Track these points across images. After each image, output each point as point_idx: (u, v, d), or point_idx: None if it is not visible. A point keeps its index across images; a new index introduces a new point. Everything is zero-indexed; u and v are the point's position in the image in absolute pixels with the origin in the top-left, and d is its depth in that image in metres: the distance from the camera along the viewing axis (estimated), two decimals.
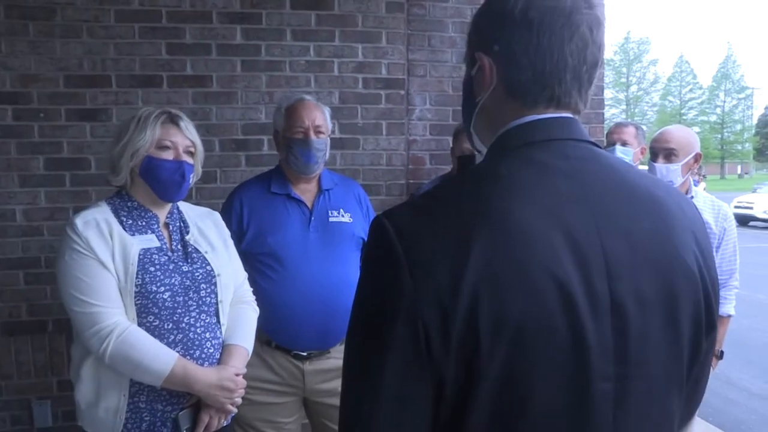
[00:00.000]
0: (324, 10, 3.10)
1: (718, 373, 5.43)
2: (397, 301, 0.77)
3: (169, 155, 1.82)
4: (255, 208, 2.32)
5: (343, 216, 2.39)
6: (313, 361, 2.32)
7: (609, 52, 57.97)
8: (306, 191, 2.39)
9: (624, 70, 59.41)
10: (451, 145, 2.96)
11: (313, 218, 2.34)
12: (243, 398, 2.27)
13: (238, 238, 2.27)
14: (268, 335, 2.30)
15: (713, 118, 58.17)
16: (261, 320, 2.22)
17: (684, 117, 57.24)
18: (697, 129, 56.40)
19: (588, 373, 0.79)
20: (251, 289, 2.11)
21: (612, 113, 57.91)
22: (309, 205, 2.36)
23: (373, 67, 3.18)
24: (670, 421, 0.90)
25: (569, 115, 0.91)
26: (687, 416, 0.98)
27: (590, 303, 0.79)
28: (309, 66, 3.12)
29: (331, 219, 2.36)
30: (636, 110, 59.39)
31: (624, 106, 59.63)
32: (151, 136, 1.79)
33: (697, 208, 0.96)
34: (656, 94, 60.08)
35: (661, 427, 0.89)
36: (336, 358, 2.36)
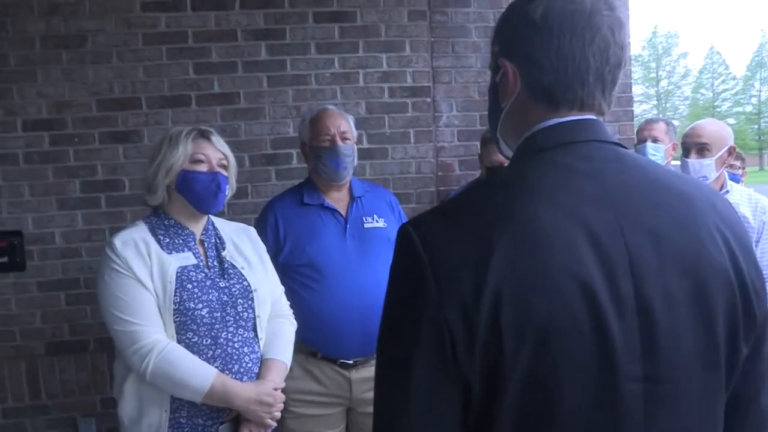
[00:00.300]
0: (347, 22, 3.13)
1: None
2: (423, 308, 0.78)
3: (203, 168, 1.86)
4: (290, 220, 2.35)
5: (377, 221, 2.42)
6: (359, 369, 2.34)
7: (637, 47, 57.19)
8: (338, 200, 2.42)
9: (653, 65, 58.50)
10: (479, 151, 2.95)
11: (348, 226, 2.37)
12: (290, 412, 2.29)
13: (276, 251, 2.30)
14: (313, 346, 2.32)
15: (749, 108, 56.81)
16: (304, 332, 2.24)
17: (718, 109, 56.07)
18: (732, 121, 55.19)
19: (615, 374, 0.79)
20: (288, 303, 2.12)
21: (643, 109, 57.02)
22: (343, 213, 2.40)
23: (398, 76, 3.19)
24: (713, 425, 0.87)
25: (592, 116, 0.91)
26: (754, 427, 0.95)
27: (615, 303, 0.78)
28: (334, 78, 3.14)
29: (366, 225, 2.39)
30: (667, 105, 58.38)
31: (655, 102, 58.68)
32: (183, 151, 1.83)
33: (731, 204, 0.94)
34: (688, 87, 58.96)
35: (703, 430, 0.86)
36: None
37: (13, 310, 2.93)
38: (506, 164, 2.02)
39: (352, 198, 2.44)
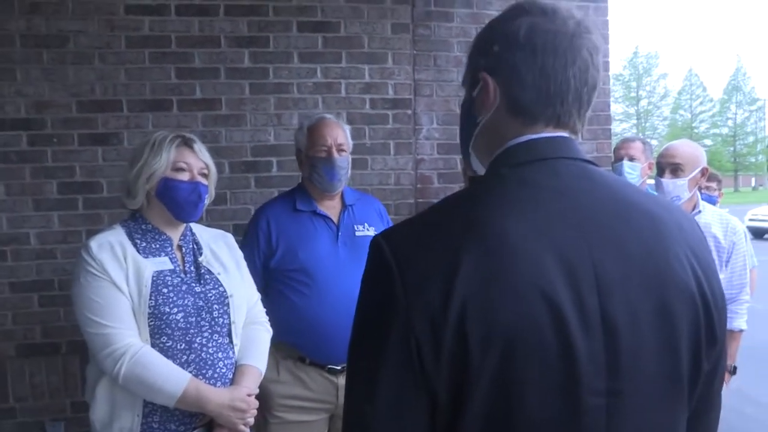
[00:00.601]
0: (330, 33, 3.15)
1: (733, 388, 5.38)
2: (391, 319, 0.80)
3: (184, 177, 1.86)
4: (283, 225, 2.37)
5: (368, 230, 2.46)
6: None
7: (618, 66, 57.83)
8: (331, 207, 2.45)
9: (633, 84, 59.30)
10: (461, 164, 2.98)
11: (340, 233, 2.41)
12: (275, 417, 2.32)
13: (268, 256, 2.34)
14: (302, 351, 2.34)
15: (725, 130, 57.81)
16: (294, 336, 2.28)
17: (695, 130, 56.95)
18: (709, 142, 56.11)
19: (579, 388, 0.80)
20: (264, 310, 2.13)
21: (623, 128, 57.74)
22: (335, 220, 2.43)
23: (380, 87, 3.22)
24: None
25: (564, 134, 0.93)
26: None
27: (580, 318, 0.80)
28: (316, 88, 3.16)
29: (357, 233, 2.43)
30: (647, 124, 59.17)
31: (634, 121, 59.44)
32: (166, 158, 1.83)
33: (698, 225, 0.97)
34: (667, 107, 59.83)
35: None
36: None
37: None
38: None
39: (344, 206, 2.48)
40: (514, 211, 0.84)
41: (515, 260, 0.79)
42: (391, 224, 2.53)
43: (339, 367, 2.35)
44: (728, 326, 2.71)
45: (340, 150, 2.38)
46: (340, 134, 2.40)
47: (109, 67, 2.94)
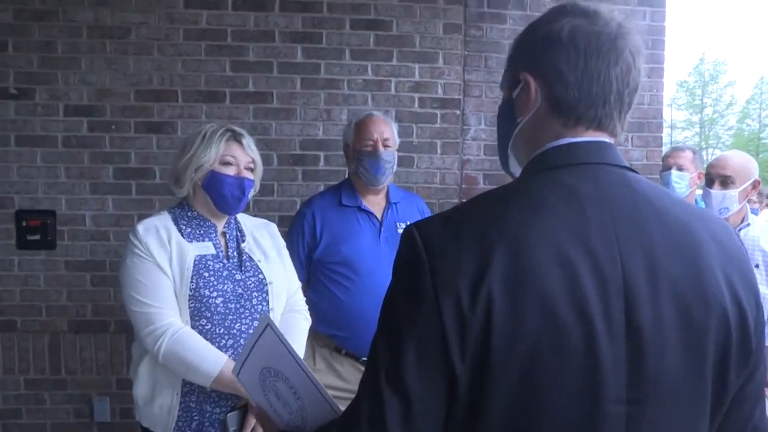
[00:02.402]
0: (382, 31, 3.18)
1: None
2: (419, 307, 0.82)
3: (231, 171, 1.92)
4: (327, 219, 2.42)
5: None
6: None
7: (683, 73, 56.06)
8: (375, 203, 2.49)
9: (698, 92, 57.42)
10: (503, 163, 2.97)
11: (382, 229, 2.45)
12: None
13: (312, 248, 2.40)
14: (338, 342, 2.39)
15: None
16: (332, 327, 2.34)
17: (764, 141, 54.76)
18: None
19: (600, 394, 0.81)
20: (305, 299, 2.18)
21: (685, 136, 55.87)
22: (378, 216, 2.47)
23: (429, 86, 3.23)
24: None
25: (605, 139, 0.93)
26: None
27: (607, 326, 0.80)
28: (366, 85, 3.19)
29: (399, 230, 2.47)
30: (710, 133, 57.24)
31: (698, 129, 57.56)
32: (215, 152, 1.89)
33: (738, 236, 0.95)
34: (733, 116, 57.72)
35: None
36: None
37: (41, 286, 3.04)
38: None
39: (389, 203, 2.52)
40: (548, 213, 0.84)
41: (546, 265, 0.80)
42: None
43: None
44: None
45: (385, 145, 2.42)
46: (386, 129, 2.44)
47: (167, 59, 3.05)
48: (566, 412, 0.81)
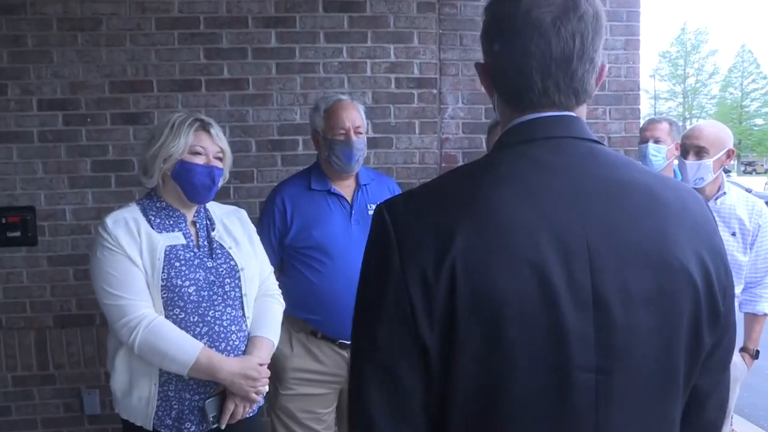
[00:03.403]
0: (356, 12, 3.16)
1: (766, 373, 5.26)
2: (387, 282, 0.85)
3: (200, 160, 1.93)
4: (297, 204, 2.43)
5: None
6: None
7: (665, 44, 56.11)
8: (345, 186, 2.50)
9: (681, 62, 57.49)
10: (486, 140, 2.98)
11: (353, 212, 2.46)
12: (287, 389, 2.38)
13: (283, 233, 2.40)
14: (314, 326, 2.41)
15: None
16: (307, 311, 2.34)
17: (746, 109, 55.01)
18: (760, 121, 54.09)
19: (567, 362, 0.83)
20: (277, 283, 2.19)
21: (668, 106, 56.13)
22: (349, 199, 2.48)
23: (405, 67, 3.22)
24: (669, 423, 0.91)
25: (570, 113, 0.93)
26: (713, 422, 0.99)
27: (571, 294, 0.82)
28: (342, 67, 3.18)
29: (370, 212, 2.47)
30: (694, 103, 57.45)
31: (681, 99, 57.75)
32: (184, 142, 1.90)
33: (706, 204, 0.96)
34: (716, 86, 57.85)
35: (655, 428, 0.89)
36: None
37: (24, 282, 3.03)
38: None
39: (358, 185, 2.53)
40: (512, 185, 0.86)
41: (507, 233, 0.82)
42: None
43: (349, 342, 2.41)
44: (752, 309, 2.69)
45: (357, 132, 2.42)
46: (357, 116, 2.44)
47: (140, 49, 3.02)
48: (534, 377, 0.83)
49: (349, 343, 2.39)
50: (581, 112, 0.95)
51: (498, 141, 0.96)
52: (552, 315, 0.81)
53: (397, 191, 2.65)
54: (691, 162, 2.58)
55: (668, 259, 0.85)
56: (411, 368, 0.86)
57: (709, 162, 2.56)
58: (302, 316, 2.36)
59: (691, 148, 2.60)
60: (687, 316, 0.87)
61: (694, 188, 2.56)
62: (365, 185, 2.54)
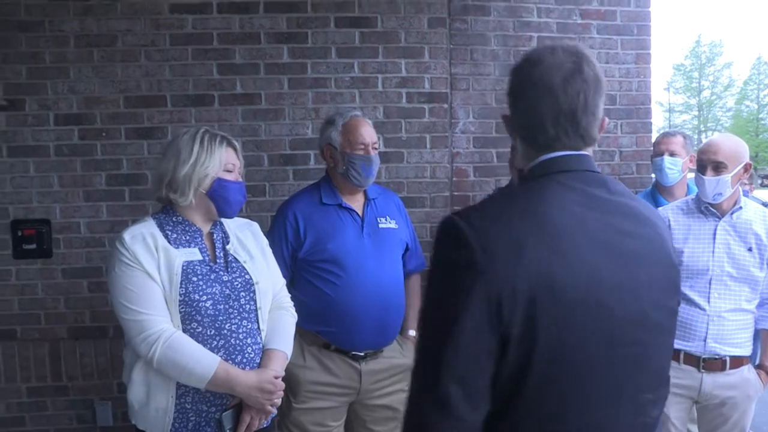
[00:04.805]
0: (367, 28, 3.20)
1: None
2: (475, 279, 1.04)
3: (232, 177, 1.96)
4: (310, 218, 2.45)
5: (390, 222, 2.56)
6: (368, 361, 2.46)
7: (679, 56, 55.92)
8: (355, 201, 2.53)
9: (695, 74, 57.19)
10: (510, 156, 2.95)
11: (365, 225, 2.48)
12: (301, 402, 2.40)
13: (296, 247, 2.43)
14: (327, 338, 2.42)
15: None
16: (321, 324, 2.37)
17: (762, 121, 54.55)
18: None
19: (612, 337, 1.09)
20: (289, 296, 2.21)
21: (683, 119, 55.73)
22: (360, 213, 2.51)
23: (416, 81, 3.25)
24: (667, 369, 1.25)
25: (581, 152, 1.20)
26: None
27: (616, 287, 1.09)
28: (353, 82, 3.21)
29: (380, 225, 2.52)
30: (709, 116, 57.05)
31: (696, 112, 57.36)
32: (218, 160, 1.92)
33: (662, 219, 1.28)
34: (731, 98, 57.44)
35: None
36: (387, 357, 2.52)
37: (39, 294, 3.07)
38: None
39: (367, 199, 2.55)
40: (557, 202, 1.12)
41: (564, 241, 1.07)
42: (407, 218, 2.63)
43: (362, 353, 2.44)
44: (764, 326, 2.64)
45: (374, 148, 2.48)
46: (373, 133, 2.51)
47: (154, 64, 3.07)
48: (593, 353, 1.08)
49: (361, 354, 2.41)
50: (589, 151, 1.22)
51: (527, 173, 1.22)
52: (597, 301, 1.07)
53: (402, 206, 2.71)
54: (710, 178, 2.53)
55: (668, 257, 1.20)
56: (490, 361, 1.05)
57: (727, 177, 2.52)
58: (315, 329, 2.38)
59: (708, 163, 2.55)
60: (674, 297, 1.23)
61: (713, 204, 2.54)
62: (373, 199, 2.57)
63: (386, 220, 2.56)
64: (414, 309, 2.68)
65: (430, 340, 1.10)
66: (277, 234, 2.44)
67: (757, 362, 2.70)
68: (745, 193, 3.86)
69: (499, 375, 1.06)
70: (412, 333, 2.68)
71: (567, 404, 1.09)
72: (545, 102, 1.16)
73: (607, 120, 1.22)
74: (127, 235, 1.87)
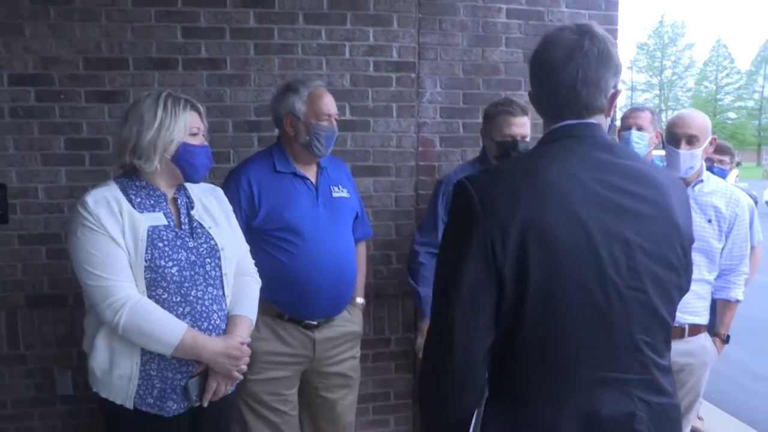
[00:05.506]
0: None
1: (735, 361, 5.39)
2: (475, 227, 1.23)
3: (197, 141, 1.93)
4: (264, 186, 2.42)
5: (342, 191, 2.57)
6: (321, 329, 2.47)
7: (642, 35, 56.67)
8: (308, 169, 2.52)
9: (658, 54, 58.08)
10: (481, 127, 2.89)
11: (319, 194, 2.48)
12: (255, 373, 2.37)
13: (250, 215, 2.39)
14: (281, 308, 2.42)
15: (750, 103, 56.36)
16: (275, 293, 2.34)
17: (719, 102, 55.81)
18: (733, 115, 55.04)
19: (604, 281, 1.24)
20: (253, 261, 2.19)
21: (645, 98, 56.80)
22: (314, 181, 2.49)
23: (384, 50, 3.22)
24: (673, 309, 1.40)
25: (587, 121, 1.35)
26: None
27: (604, 235, 1.24)
28: (321, 49, 3.16)
29: (334, 194, 2.52)
30: (670, 95, 58.13)
31: (657, 91, 58.39)
32: (183, 124, 1.88)
33: (683, 186, 1.42)
34: (691, 78, 58.57)
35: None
36: (339, 325, 2.54)
37: None
38: (518, 138, 2.55)
39: (319, 167, 2.54)
40: (557, 163, 1.28)
41: (557, 193, 1.23)
42: (355, 186, 2.68)
43: (315, 323, 2.45)
44: (725, 296, 2.75)
45: (335, 119, 2.49)
46: (334, 104, 2.50)
47: (115, 25, 2.96)
48: (581, 293, 1.23)
49: (314, 323, 2.43)
50: (600, 119, 1.36)
51: (547, 135, 1.38)
52: (591, 247, 1.23)
53: (350, 173, 2.74)
54: (684, 151, 2.58)
55: (669, 217, 1.32)
56: (488, 297, 1.24)
57: (698, 151, 2.58)
58: (271, 297, 2.35)
59: (683, 137, 2.59)
60: (681, 248, 1.34)
61: (683, 177, 2.60)
62: (325, 168, 2.56)
63: (339, 188, 2.56)
64: (362, 276, 2.71)
65: (439, 282, 1.30)
66: (231, 202, 2.39)
67: (714, 330, 2.80)
68: (725, 173, 3.95)
69: (500, 311, 1.24)
70: (360, 300, 2.71)
71: (562, 337, 1.26)
72: (551, 77, 1.34)
73: (619, 92, 1.37)
74: (90, 199, 1.83)
